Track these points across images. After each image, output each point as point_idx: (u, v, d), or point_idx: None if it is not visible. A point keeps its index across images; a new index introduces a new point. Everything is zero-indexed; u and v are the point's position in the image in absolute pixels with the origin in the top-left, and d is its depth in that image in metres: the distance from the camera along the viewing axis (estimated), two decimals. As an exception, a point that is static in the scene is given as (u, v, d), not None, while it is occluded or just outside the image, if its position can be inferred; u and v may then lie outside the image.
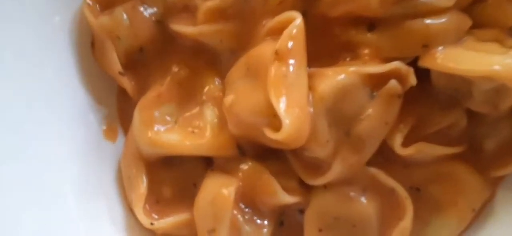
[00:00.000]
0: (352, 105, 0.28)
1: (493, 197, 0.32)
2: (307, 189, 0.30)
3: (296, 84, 0.27)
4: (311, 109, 0.27)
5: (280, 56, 0.27)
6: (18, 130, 0.28)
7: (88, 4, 0.31)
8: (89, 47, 0.32)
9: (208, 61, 0.31)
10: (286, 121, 0.26)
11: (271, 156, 0.30)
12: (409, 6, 0.28)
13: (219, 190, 0.29)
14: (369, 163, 0.30)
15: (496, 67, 0.26)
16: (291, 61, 0.27)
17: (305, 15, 0.29)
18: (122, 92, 0.33)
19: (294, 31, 0.27)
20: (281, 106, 0.26)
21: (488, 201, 0.32)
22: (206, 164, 0.31)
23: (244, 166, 0.29)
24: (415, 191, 0.30)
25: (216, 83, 0.31)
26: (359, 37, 0.29)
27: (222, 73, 0.31)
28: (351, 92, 0.28)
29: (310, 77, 0.28)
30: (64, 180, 0.29)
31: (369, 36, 0.29)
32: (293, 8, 0.29)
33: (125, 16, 0.31)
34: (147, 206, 0.30)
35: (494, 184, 0.32)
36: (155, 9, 0.32)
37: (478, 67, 0.26)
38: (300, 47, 0.27)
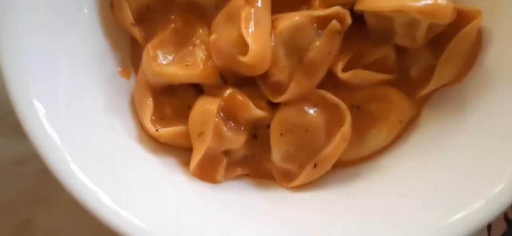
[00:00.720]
0: (304, 39, 0.35)
1: (419, 114, 0.38)
2: (272, 106, 0.37)
3: (261, 22, 0.34)
4: (272, 42, 0.35)
5: (248, 2, 0.34)
6: (54, 68, 0.35)
7: None
8: (108, 7, 0.40)
9: (199, 15, 0.38)
10: (253, 47, 0.33)
11: (246, 82, 0.37)
12: None
13: (206, 106, 0.36)
14: (319, 86, 0.36)
15: (407, 3, 0.33)
16: (258, 5, 0.35)
17: None
18: (133, 41, 0.40)
19: None
20: (250, 36, 0.34)
21: (415, 117, 0.38)
22: (198, 91, 0.38)
23: (226, 90, 0.36)
24: (355, 109, 0.37)
25: (206, 30, 0.38)
26: None
27: (209, 23, 0.38)
28: (302, 29, 0.35)
29: (273, 20, 0.36)
30: (91, 101, 0.36)
31: None
32: None
33: None
34: (153, 119, 0.37)
35: (419, 104, 0.38)
36: None
37: (393, 3, 0.33)
38: None
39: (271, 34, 0.35)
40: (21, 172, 0.44)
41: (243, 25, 0.33)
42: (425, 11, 0.33)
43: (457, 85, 0.37)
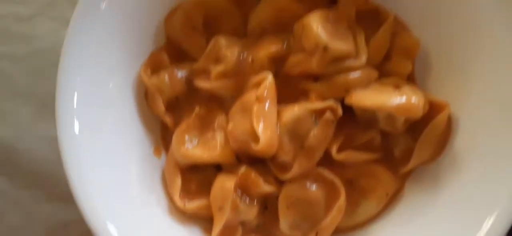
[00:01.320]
0: (304, 128, 0.41)
1: (402, 187, 0.44)
2: (280, 182, 0.42)
3: (269, 116, 0.41)
4: (278, 131, 0.41)
5: (259, 100, 0.40)
6: (106, 152, 0.43)
7: (144, 70, 0.45)
8: (143, 97, 0.46)
9: (218, 104, 0.45)
10: (262, 138, 0.39)
11: (257, 162, 0.43)
12: (337, 66, 0.41)
13: (225, 183, 0.42)
14: (317, 164, 0.42)
15: (383, 102, 0.40)
16: (265, 102, 0.41)
17: (277, 74, 0.43)
18: (164, 125, 0.46)
19: (267, 84, 0.41)
20: (260, 129, 0.40)
21: (399, 190, 0.44)
22: (217, 169, 0.44)
23: (241, 169, 0.42)
24: (348, 183, 0.42)
25: (223, 117, 0.44)
26: (309, 86, 0.42)
27: (226, 110, 0.44)
28: (302, 120, 0.41)
29: (279, 111, 0.42)
30: (129, 177, 0.43)
31: (315, 85, 0.42)
32: (268, 69, 0.43)
33: (167, 77, 0.44)
34: (181, 195, 0.43)
35: (402, 178, 0.44)
36: (185, 71, 0.45)
37: (373, 102, 0.40)
38: (270, 93, 0.41)
39: (277, 124, 0.42)
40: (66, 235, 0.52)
41: (254, 120, 0.40)
42: (400, 109, 0.40)
43: (433, 163, 0.43)
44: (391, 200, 0.44)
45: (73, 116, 0.41)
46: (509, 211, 0.37)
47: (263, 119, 0.41)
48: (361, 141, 0.43)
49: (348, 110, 0.43)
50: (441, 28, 0.43)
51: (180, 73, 0.46)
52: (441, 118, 0.41)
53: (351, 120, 0.43)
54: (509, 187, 0.38)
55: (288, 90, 0.44)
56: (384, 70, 0.44)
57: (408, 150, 0.43)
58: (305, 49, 0.42)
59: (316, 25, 0.42)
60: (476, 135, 0.41)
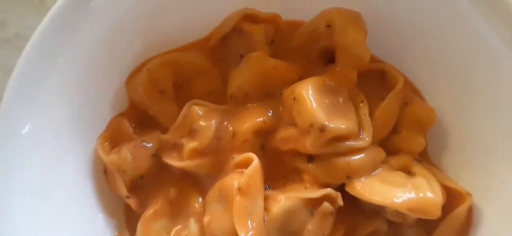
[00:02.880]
0: (297, 223, 0.35)
1: None
2: None
3: (253, 213, 0.35)
4: (266, 227, 0.35)
5: (241, 192, 0.35)
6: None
7: (101, 144, 0.39)
8: (102, 174, 0.40)
9: (192, 183, 0.39)
10: None
11: None
12: (336, 147, 0.36)
13: None
14: None
15: (395, 200, 0.34)
16: (250, 196, 0.35)
17: (263, 147, 0.38)
18: (128, 207, 0.40)
19: (251, 172, 0.35)
20: (242, 232, 0.34)
21: None
22: None
23: None
24: None
25: (199, 200, 0.39)
26: (302, 166, 0.37)
27: (203, 191, 0.39)
28: (295, 212, 0.35)
29: (266, 198, 0.36)
30: None
31: (309, 166, 0.36)
32: (253, 145, 0.37)
33: (129, 154, 0.38)
34: None
35: None
36: (151, 144, 0.39)
37: (383, 199, 0.34)
38: (256, 184, 0.35)
39: (264, 220, 0.35)
40: None
41: (235, 220, 0.34)
42: (414, 209, 0.34)
43: None
44: None
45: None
46: None
47: (247, 216, 0.35)
48: (366, 231, 0.38)
49: (350, 194, 0.36)
50: (460, 94, 0.38)
51: (146, 146, 0.40)
52: (461, 210, 0.36)
53: (353, 207, 0.37)
54: None
55: (277, 168, 0.38)
56: (391, 145, 0.38)
57: None
58: (297, 124, 0.36)
59: (311, 98, 0.35)
60: (503, 228, 0.35)
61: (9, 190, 0.35)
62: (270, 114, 0.38)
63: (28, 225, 0.35)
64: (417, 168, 0.37)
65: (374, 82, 0.39)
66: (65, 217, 0.38)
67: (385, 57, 0.40)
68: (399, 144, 0.38)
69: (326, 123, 0.34)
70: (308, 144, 0.35)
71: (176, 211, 0.39)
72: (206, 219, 0.36)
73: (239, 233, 0.33)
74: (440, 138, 0.39)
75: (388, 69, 0.39)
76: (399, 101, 0.38)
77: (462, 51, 0.37)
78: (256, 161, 0.36)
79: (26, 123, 0.35)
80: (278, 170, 0.38)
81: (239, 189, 0.35)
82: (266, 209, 0.36)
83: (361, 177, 0.36)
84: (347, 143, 0.36)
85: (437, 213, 0.34)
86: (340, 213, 0.37)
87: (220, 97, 0.40)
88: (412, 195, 0.34)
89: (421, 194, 0.34)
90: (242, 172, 0.36)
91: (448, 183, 0.36)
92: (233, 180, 0.36)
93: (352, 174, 0.36)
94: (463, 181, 0.37)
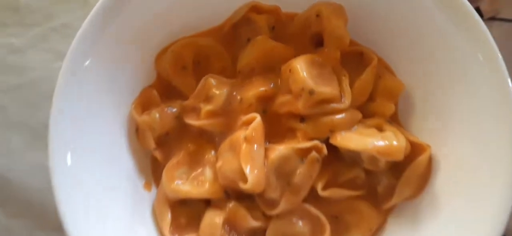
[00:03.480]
0: (290, 167, 0.42)
1: (384, 222, 0.45)
2: (267, 218, 0.44)
3: (256, 156, 0.42)
4: (266, 169, 0.42)
5: (247, 140, 0.42)
6: (97, 185, 0.43)
7: (135, 108, 0.46)
8: (134, 133, 0.47)
9: (207, 140, 0.46)
10: (250, 177, 0.40)
11: (245, 198, 0.44)
12: (322, 108, 0.43)
13: (214, 218, 0.43)
14: (303, 200, 0.43)
15: (367, 146, 0.41)
16: (254, 143, 0.42)
17: (265, 111, 0.45)
18: (154, 160, 0.47)
19: (255, 125, 0.42)
20: (247, 169, 0.41)
21: (382, 225, 0.45)
22: (206, 203, 0.45)
23: (229, 204, 0.43)
24: (334, 219, 0.44)
25: (212, 153, 0.45)
26: (295, 125, 0.44)
27: (216, 147, 0.45)
28: (289, 159, 0.42)
29: (267, 149, 0.43)
30: (122, 213, 0.44)
31: (301, 125, 0.43)
32: (257, 108, 0.44)
33: (157, 115, 0.45)
34: (171, 229, 0.44)
35: (385, 214, 0.45)
36: (175, 109, 0.46)
37: (358, 146, 0.41)
38: (258, 135, 0.42)
39: (264, 163, 0.43)
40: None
41: (242, 160, 0.41)
42: (382, 152, 0.41)
43: (414, 200, 0.45)
44: (374, 235, 0.45)
45: (66, 148, 0.41)
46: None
47: (251, 159, 0.42)
48: (346, 178, 0.45)
49: (333, 148, 0.45)
50: (424, 70, 0.45)
51: (171, 111, 0.47)
52: (422, 159, 0.43)
53: (336, 158, 0.45)
54: (488, 225, 0.40)
55: (276, 128, 0.45)
56: (367, 111, 0.46)
57: (390, 187, 0.45)
58: (292, 91, 0.44)
59: (302, 69, 0.43)
60: (456, 175, 0.43)
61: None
62: (271, 85, 0.46)
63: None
64: (387, 126, 0.44)
65: (354, 61, 0.46)
66: (100, 165, 0.44)
67: (363, 42, 0.48)
68: (374, 109, 0.45)
69: (314, 88, 0.42)
70: (300, 106, 0.42)
71: (194, 161, 0.46)
72: (218, 164, 0.44)
73: (245, 170, 0.41)
74: (408, 106, 0.47)
75: (365, 51, 0.46)
76: (374, 74, 0.45)
77: (424, 38, 0.44)
78: (258, 118, 0.43)
79: (79, 85, 0.42)
80: (277, 130, 0.45)
81: (245, 138, 0.42)
82: (266, 157, 0.43)
83: (342, 131, 0.43)
84: (331, 105, 0.43)
85: (400, 156, 0.41)
86: (324, 162, 0.43)
87: (230, 74, 0.47)
88: (381, 142, 0.41)
89: (388, 142, 0.42)
90: (248, 128, 0.44)
91: (412, 138, 0.44)
92: (241, 134, 0.43)
93: (334, 129, 0.43)
94: (424, 139, 0.45)
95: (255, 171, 0.42)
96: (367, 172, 0.45)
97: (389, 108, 0.46)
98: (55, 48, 0.57)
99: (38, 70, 0.56)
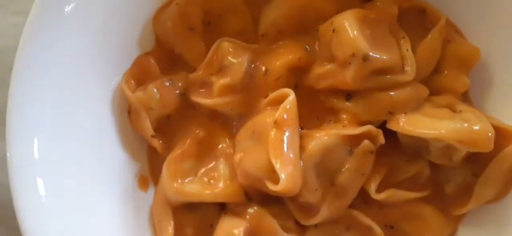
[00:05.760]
0: (335, 160, 0.35)
1: (455, 232, 0.38)
2: (301, 228, 0.37)
3: (290, 146, 0.34)
4: (302, 164, 0.34)
5: (278, 125, 0.34)
6: (75, 191, 0.35)
7: (126, 81, 0.38)
8: (126, 115, 0.39)
9: (221, 124, 0.39)
10: (282, 176, 0.33)
11: (272, 201, 0.37)
12: (377, 81, 0.35)
13: (231, 230, 0.35)
14: (351, 206, 0.37)
15: (443, 131, 0.33)
16: (286, 129, 0.34)
17: (297, 87, 0.38)
18: (152, 150, 0.39)
19: (288, 106, 0.34)
20: (279, 164, 0.33)
21: (451, 235, 0.38)
22: (221, 208, 0.38)
23: (251, 210, 0.36)
24: (389, 229, 0.37)
25: (227, 142, 0.38)
26: (339, 105, 0.36)
27: (232, 134, 0.38)
28: (333, 150, 0.35)
29: (301, 137, 0.36)
30: (108, 222, 0.36)
31: (347, 104, 0.36)
32: (287, 83, 0.37)
33: (155, 91, 0.38)
34: None
35: (455, 221, 0.38)
36: (179, 84, 0.39)
37: (430, 130, 0.34)
38: (293, 117, 0.35)
39: (300, 157, 0.34)
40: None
41: (271, 152, 0.33)
42: (466, 141, 0.33)
43: (496, 203, 0.36)
44: (442, 249, 0.38)
45: (32, 135, 0.34)
46: None
47: (283, 151, 0.34)
48: (406, 175, 0.37)
49: (390, 136, 0.36)
50: (504, 35, 0.38)
51: (173, 85, 0.39)
52: (510, 150, 0.34)
53: (394, 149, 0.37)
54: None
55: (312, 109, 0.38)
56: (434, 86, 0.38)
57: (464, 186, 0.38)
58: (336, 58, 0.35)
59: (353, 28, 0.35)
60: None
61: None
62: (306, 51, 0.37)
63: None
64: (462, 107, 0.36)
65: (414, 20, 0.38)
66: (79, 159, 0.36)
67: None
68: (442, 83, 0.37)
69: (370, 52, 0.34)
70: (349, 77, 0.34)
71: (205, 152, 0.38)
72: (237, 156, 0.35)
73: (275, 165, 0.32)
74: (483, 79, 0.38)
75: (429, 7, 0.38)
76: (442, 38, 0.37)
77: None
78: (292, 94, 0.35)
79: (50, 46, 0.34)
80: (313, 111, 0.37)
81: (276, 122, 0.34)
82: (302, 147, 0.35)
83: (404, 113, 0.35)
84: (390, 76, 0.35)
85: (490, 145, 0.33)
86: (379, 155, 0.36)
87: (251, 37, 0.40)
88: (462, 125, 0.33)
89: (471, 125, 0.32)
90: (277, 109, 0.35)
91: (496, 122, 0.35)
92: (267, 117, 0.35)
93: (394, 109, 0.35)
94: (506, 121, 0.36)
95: (289, 168, 0.33)
96: (433, 167, 0.37)
97: (462, 82, 0.38)
98: (27, 10, 0.47)
99: (5, 37, 0.48)
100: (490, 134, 0.33)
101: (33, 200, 0.34)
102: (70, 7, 0.35)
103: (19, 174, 0.33)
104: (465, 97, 0.38)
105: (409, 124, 0.34)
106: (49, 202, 0.34)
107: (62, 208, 0.35)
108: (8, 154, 0.34)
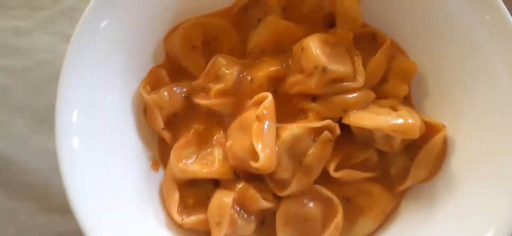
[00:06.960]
0: (302, 146, 0.42)
1: (398, 205, 0.45)
2: (277, 199, 0.43)
3: (268, 135, 0.41)
4: (277, 149, 0.42)
5: (259, 119, 0.41)
6: (104, 166, 0.42)
7: (143, 86, 0.45)
8: (142, 113, 0.47)
9: (216, 120, 0.46)
10: (262, 156, 0.40)
11: (255, 178, 0.43)
12: (335, 87, 0.42)
13: (223, 199, 0.42)
14: (315, 182, 0.43)
15: (381, 123, 0.40)
16: (266, 121, 0.41)
17: (275, 92, 0.45)
18: (162, 140, 0.46)
19: (267, 104, 0.42)
20: (259, 148, 0.40)
21: (395, 208, 0.44)
22: (215, 184, 0.44)
23: (239, 185, 0.43)
24: (346, 201, 0.43)
25: (221, 133, 0.45)
26: (307, 105, 0.43)
27: (225, 127, 0.45)
28: (301, 138, 0.41)
29: (277, 129, 0.43)
30: (128, 195, 0.43)
31: (313, 105, 0.43)
32: (267, 89, 0.44)
33: (166, 94, 0.45)
34: (178, 209, 0.43)
35: (398, 196, 0.44)
36: (184, 89, 0.46)
37: (372, 122, 0.41)
38: (271, 113, 0.42)
39: (276, 143, 0.42)
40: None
41: (254, 139, 0.40)
42: (397, 130, 0.41)
43: (429, 182, 0.44)
44: (388, 218, 0.45)
45: (72, 130, 0.41)
46: (506, 229, 0.38)
47: (263, 137, 0.41)
48: (359, 160, 0.44)
49: (346, 130, 0.44)
50: (437, 52, 0.45)
51: (179, 90, 0.47)
52: (437, 139, 0.42)
53: (349, 140, 0.44)
54: (505, 206, 0.39)
55: (287, 109, 0.45)
56: (381, 92, 0.45)
57: (404, 169, 0.44)
58: (304, 70, 0.43)
59: (315, 47, 0.43)
60: (472, 156, 0.42)
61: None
62: (282, 65, 0.45)
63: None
64: (400, 107, 0.43)
65: (366, 42, 0.46)
66: (107, 146, 0.43)
67: (376, 24, 0.47)
68: (387, 90, 0.45)
69: (328, 66, 0.42)
70: (313, 84, 0.42)
71: (203, 141, 0.45)
72: (228, 143, 0.43)
73: (256, 148, 0.40)
74: (421, 88, 0.46)
75: (378, 32, 0.46)
76: (387, 55, 0.45)
77: (435, 19, 0.44)
78: (270, 96, 0.42)
79: (90, 53, 0.42)
80: (288, 111, 0.45)
81: (257, 116, 0.41)
82: (277, 136, 0.42)
83: (355, 111, 0.42)
84: (344, 83, 0.43)
85: (416, 133, 0.41)
86: (337, 144, 0.43)
87: (240, 54, 0.47)
88: (396, 120, 0.41)
89: (403, 120, 0.41)
90: (259, 108, 0.42)
91: (426, 118, 0.43)
92: (252, 114, 0.42)
93: (347, 108, 0.42)
94: (439, 120, 0.44)
95: (267, 150, 0.41)
96: (380, 154, 0.45)
97: (403, 89, 0.45)
98: (62, 31, 0.56)
99: (44, 52, 0.55)
100: (414, 123, 0.40)
101: (77, 180, 0.39)
102: (104, 23, 0.42)
103: (65, 161, 0.39)
104: (407, 101, 0.46)
105: (358, 119, 0.41)
106: (86, 179, 0.40)
107: (96, 186, 0.40)
108: (57, 144, 0.39)
